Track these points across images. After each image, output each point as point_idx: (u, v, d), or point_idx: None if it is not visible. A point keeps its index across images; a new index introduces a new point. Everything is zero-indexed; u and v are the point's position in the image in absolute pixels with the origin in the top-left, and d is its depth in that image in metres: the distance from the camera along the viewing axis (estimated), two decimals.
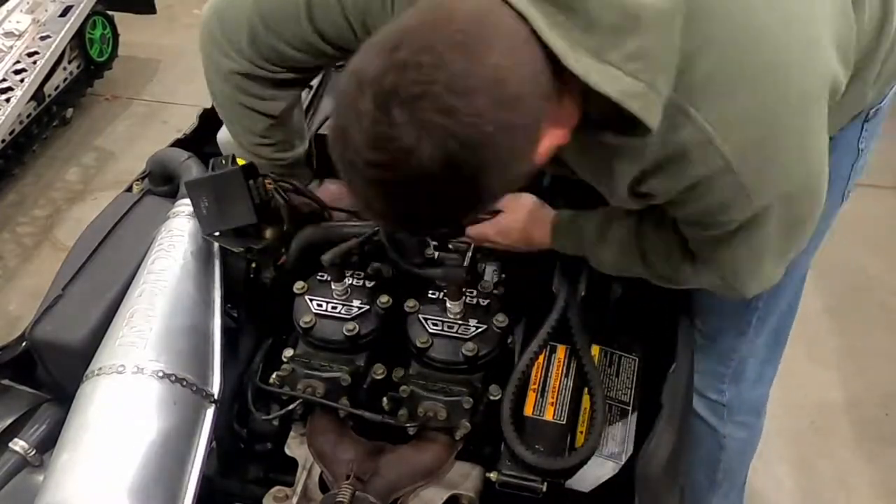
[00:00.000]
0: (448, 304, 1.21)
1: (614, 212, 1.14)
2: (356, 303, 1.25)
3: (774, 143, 0.90)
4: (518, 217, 1.24)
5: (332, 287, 1.26)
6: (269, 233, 1.33)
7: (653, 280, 1.16)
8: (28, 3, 3.07)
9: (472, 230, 1.26)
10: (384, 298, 1.25)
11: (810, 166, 0.95)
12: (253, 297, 1.39)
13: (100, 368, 1.11)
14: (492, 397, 1.18)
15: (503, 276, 1.32)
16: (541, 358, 1.24)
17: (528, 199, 1.25)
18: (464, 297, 1.22)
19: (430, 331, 1.20)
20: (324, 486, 1.23)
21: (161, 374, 1.11)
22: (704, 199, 0.93)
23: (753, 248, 1.01)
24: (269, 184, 1.28)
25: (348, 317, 1.23)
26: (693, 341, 1.34)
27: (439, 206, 0.77)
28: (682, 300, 1.34)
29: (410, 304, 1.24)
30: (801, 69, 0.89)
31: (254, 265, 1.38)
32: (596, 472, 1.19)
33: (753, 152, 0.89)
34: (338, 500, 1.11)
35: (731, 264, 1.04)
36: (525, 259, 1.28)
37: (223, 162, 1.27)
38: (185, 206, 1.36)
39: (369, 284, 1.28)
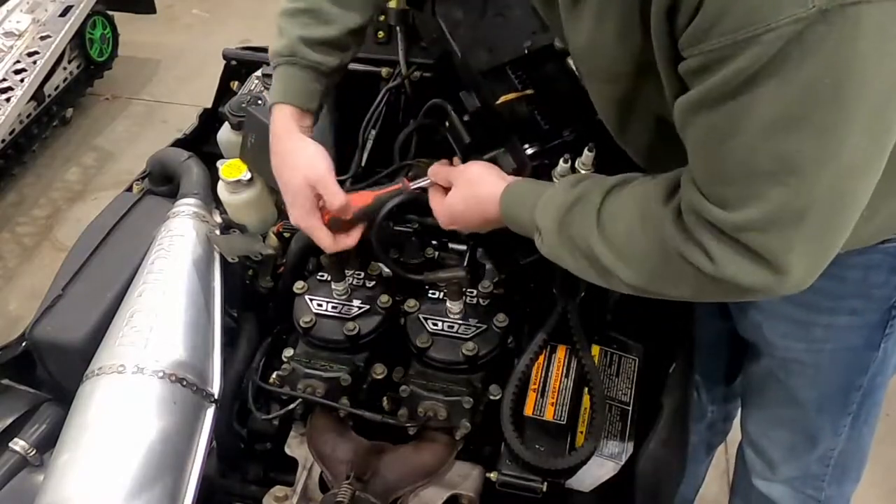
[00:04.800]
0: (448, 304, 1.21)
1: (586, 178, 0.99)
2: (356, 303, 1.25)
3: None
4: (461, 192, 1.10)
5: (332, 287, 1.26)
6: (270, 246, 1.35)
7: (611, 283, 0.94)
8: (28, 3, 3.07)
9: (436, 210, 1.15)
10: (384, 298, 1.25)
11: None
12: (251, 301, 1.39)
13: (100, 368, 1.12)
14: (492, 397, 1.18)
15: (503, 276, 1.32)
16: (541, 358, 1.24)
17: (473, 168, 1.11)
18: (464, 297, 1.22)
19: (430, 331, 1.20)
20: (324, 486, 1.23)
21: (161, 373, 1.11)
22: None
23: (818, 127, 0.70)
24: None
25: (348, 317, 1.23)
26: (692, 341, 1.34)
27: None
28: None
29: (410, 304, 1.24)
30: None
31: (251, 272, 1.38)
32: (596, 472, 1.19)
33: None
34: (338, 500, 1.11)
35: (764, 178, 0.74)
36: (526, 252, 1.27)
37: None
38: (185, 206, 1.37)
39: (369, 284, 1.28)
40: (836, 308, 1.16)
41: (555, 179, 1.09)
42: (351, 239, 1.20)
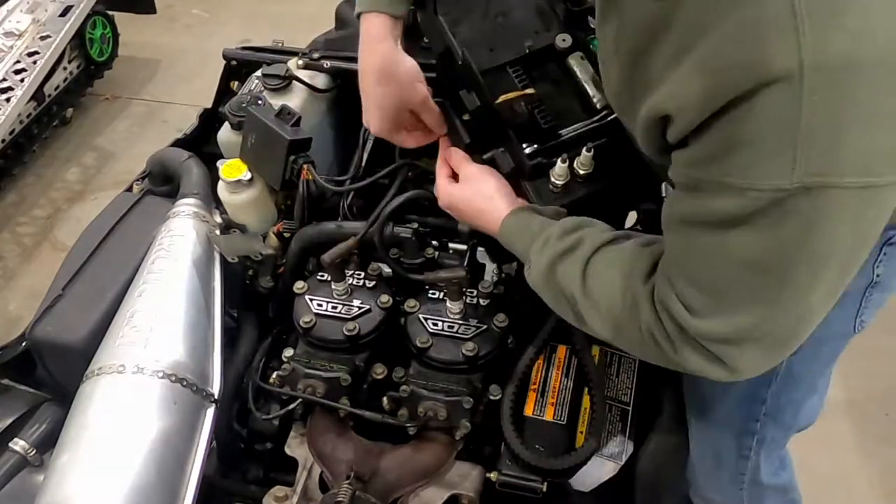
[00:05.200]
0: (448, 304, 1.21)
1: (588, 221, 1.00)
2: (356, 303, 1.25)
3: (873, 96, 0.64)
4: (467, 194, 1.12)
5: (332, 287, 1.26)
6: (270, 245, 1.35)
7: (584, 328, 0.97)
8: (28, 3, 3.07)
9: (439, 191, 1.16)
10: (384, 298, 1.25)
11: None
12: (251, 301, 1.39)
13: (100, 368, 1.12)
14: (492, 397, 1.18)
15: (503, 275, 1.32)
16: (541, 358, 1.24)
17: (484, 183, 1.11)
18: (464, 297, 1.22)
19: (431, 331, 1.20)
20: (324, 486, 1.23)
21: (161, 373, 1.11)
22: (745, 122, 0.67)
23: (768, 266, 0.74)
24: (306, 173, 1.31)
25: (348, 317, 1.23)
26: None
27: None
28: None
29: (410, 304, 1.24)
30: None
31: (251, 272, 1.38)
32: (596, 472, 1.19)
33: (839, 84, 0.64)
34: (338, 500, 1.11)
35: (726, 287, 0.78)
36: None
37: (289, 115, 1.35)
38: (185, 206, 1.37)
39: (369, 284, 1.28)
40: None
41: (552, 179, 1.09)
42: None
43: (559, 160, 1.07)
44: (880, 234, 0.92)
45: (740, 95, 0.66)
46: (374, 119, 1.18)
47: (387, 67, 1.14)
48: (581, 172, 1.09)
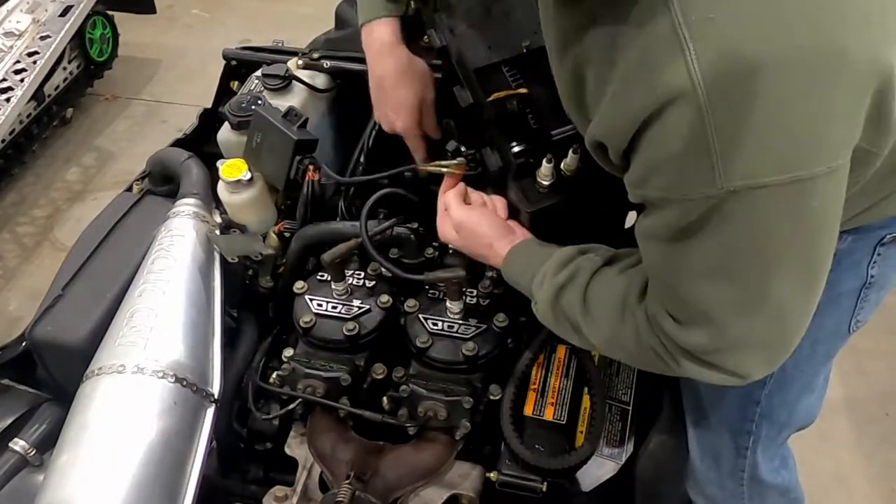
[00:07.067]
0: (448, 304, 1.21)
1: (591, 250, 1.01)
2: (356, 303, 1.25)
3: (772, 94, 0.65)
4: (466, 231, 1.11)
5: (332, 287, 1.26)
6: (270, 245, 1.35)
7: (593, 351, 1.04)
8: (28, 2, 3.07)
9: (440, 227, 1.16)
10: (384, 298, 1.25)
11: (811, 186, 0.69)
12: (251, 301, 1.39)
13: (100, 368, 1.12)
14: (492, 397, 1.18)
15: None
16: (541, 358, 1.24)
17: (483, 221, 1.11)
18: (464, 297, 1.22)
19: (431, 331, 1.20)
20: (324, 486, 1.23)
21: (161, 373, 1.11)
22: (659, 141, 0.71)
23: (725, 271, 0.77)
24: (311, 174, 1.33)
25: (348, 317, 1.23)
26: None
27: None
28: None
29: (410, 304, 1.24)
30: (845, 20, 0.67)
31: (251, 272, 1.38)
32: (596, 472, 1.20)
33: (735, 90, 0.66)
34: (338, 500, 1.11)
35: (699, 301, 0.80)
36: None
37: (296, 116, 1.38)
38: (185, 206, 1.37)
39: (369, 284, 1.28)
40: None
41: (538, 179, 1.09)
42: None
43: (545, 160, 1.06)
44: (872, 234, 0.95)
45: (649, 117, 0.70)
46: (401, 118, 1.26)
47: (405, 69, 1.24)
48: (567, 174, 1.08)
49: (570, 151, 1.06)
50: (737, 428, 1.23)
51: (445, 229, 1.15)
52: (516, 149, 1.10)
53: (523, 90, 1.11)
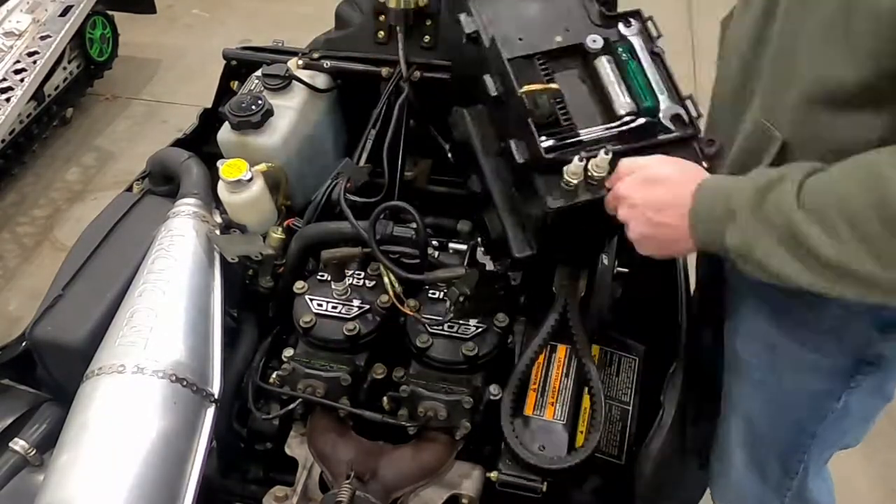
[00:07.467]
0: (448, 304, 1.21)
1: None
2: (356, 303, 1.25)
3: None
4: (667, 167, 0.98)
5: (332, 287, 1.26)
6: (270, 245, 1.35)
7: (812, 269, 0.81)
8: (28, 2, 3.07)
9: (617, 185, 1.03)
10: (384, 298, 1.25)
11: None
12: (251, 301, 1.39)
13: (100, 368, 1.12)
14: (492, 397, 1.18)
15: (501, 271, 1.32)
16: (541, 358, 1.24)
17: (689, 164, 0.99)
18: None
19: (431, 331, 1.20)
20: (324, 486, 1.23)
21: (161, 373, 1.11)
22: None
23: None
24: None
25: (348, 317, 1.23)
26: (692, 341, 1.33)
27: None
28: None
29: (410, 303, 1.24)
30: None
31: (251, 272, 1.38)
32: (595, 471, 1.20)
33: None
34: (338, 500, 1.11)
35: None
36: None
37: None
38: (185, 206, 1.37)
39: (369, 284, 1.28)
40: (807, 341, 1.07)
41: (566, 176, 1.05)
42: None
43: (576, 158, 1.04)
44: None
45: None
46: None
47: None
48: (595, 175, 1.05)
49: (601, 152, 1.04)
50: (787, 455, 1.22)
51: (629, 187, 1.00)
52: (546, 143, 1.07)
53: (555, 85, 1.09)
